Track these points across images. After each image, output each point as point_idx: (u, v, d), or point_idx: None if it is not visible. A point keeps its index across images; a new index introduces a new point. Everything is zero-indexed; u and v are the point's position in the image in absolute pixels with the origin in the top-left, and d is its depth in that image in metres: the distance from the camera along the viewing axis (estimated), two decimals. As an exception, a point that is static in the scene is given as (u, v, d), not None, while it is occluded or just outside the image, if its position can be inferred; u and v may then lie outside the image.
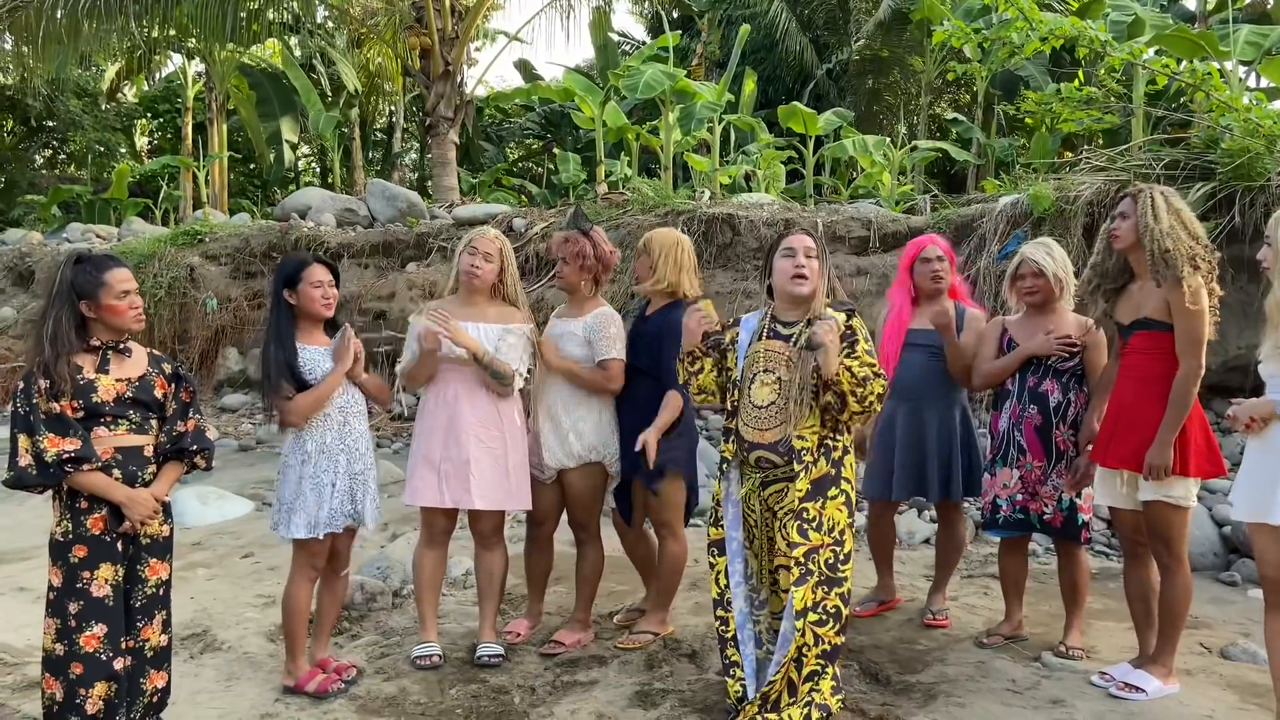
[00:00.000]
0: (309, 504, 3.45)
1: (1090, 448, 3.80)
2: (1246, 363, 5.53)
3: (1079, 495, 3.85)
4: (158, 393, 3.01)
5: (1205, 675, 3.73)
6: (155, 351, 3.16)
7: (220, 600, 4.64)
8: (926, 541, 5.72)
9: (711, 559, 3.39)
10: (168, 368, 3.10)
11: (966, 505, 6.14)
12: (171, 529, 3.08)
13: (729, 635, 3.30)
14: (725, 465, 3.39)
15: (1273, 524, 2.96)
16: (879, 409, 3.21)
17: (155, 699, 3.02)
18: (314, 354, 3.50)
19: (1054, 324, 3.92)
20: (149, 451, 2.98)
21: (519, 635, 4.09)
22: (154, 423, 3.01)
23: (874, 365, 3.14)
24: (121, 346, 2.99)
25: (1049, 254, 3.93)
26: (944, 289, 4.27)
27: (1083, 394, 3.90)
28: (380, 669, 3.77)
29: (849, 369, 3.07)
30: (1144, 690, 3.45)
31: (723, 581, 3.34)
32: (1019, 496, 3.92)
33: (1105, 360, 3.87)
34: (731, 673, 3.26)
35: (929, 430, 4.15)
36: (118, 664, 2.86)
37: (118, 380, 2.93)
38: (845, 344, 3.15)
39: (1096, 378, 3.87)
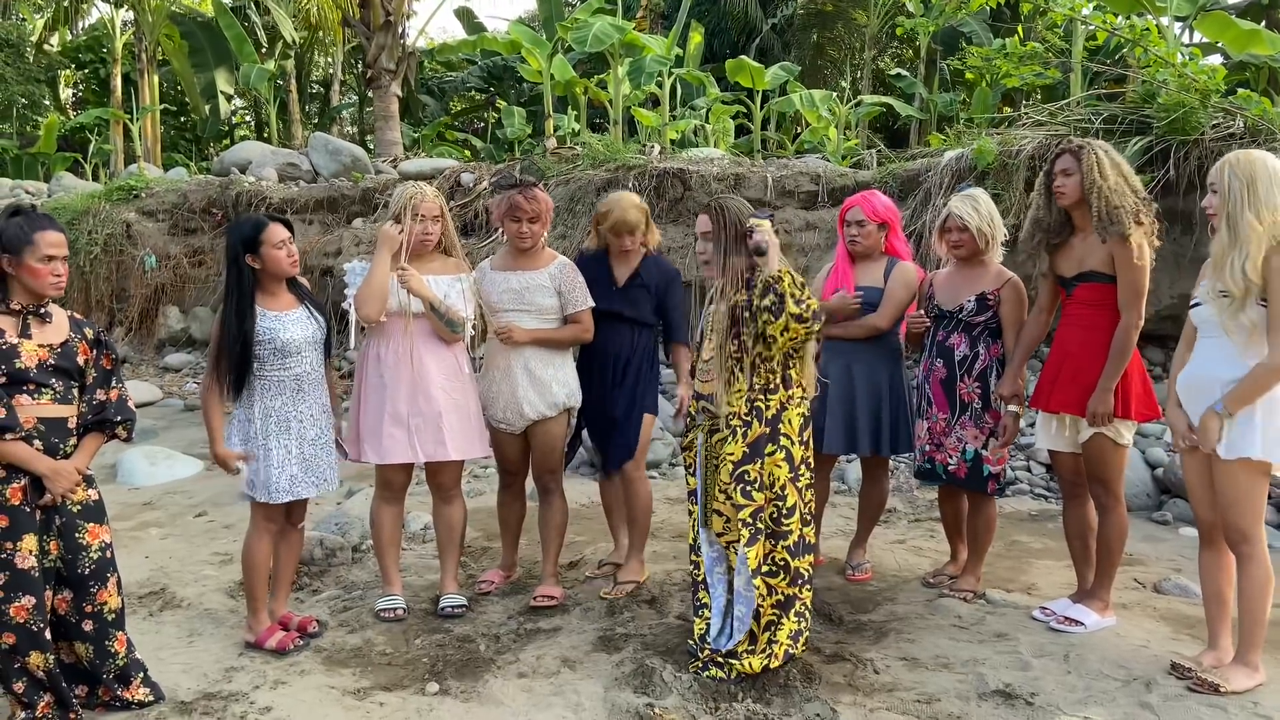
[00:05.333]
0: (261, 469, 3.43)
1: (1010, 405, 3.87)
2: (1179, 312, 5.72)
3: (984, 447, 3.92)
4: (80, 359, 2.89)
5: (1140, 608, 3.92)
6: (76, 315, 3.02)
7: (176, 559, 4.61)
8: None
9: (689, 507, 3.51)
10: (89, 332, 2.97)
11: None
12: (99, 493, 3.00)
13: (700, 579, 3.41)
14: (693, 419, 3.50)
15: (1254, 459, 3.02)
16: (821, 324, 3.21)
17: (125, 661, 2.99)
18: (273, 320, 3.43)
19: (978, 276, 3.96)
20: (72, 423, 2.88)
21: (494, 584, 4.15)
22: (76, 392, 2.90)
23: (805, 319, 3.14)
24: (42, 311, 2.86)
25: (975, 208, 3.92)
26: (861, 252, 4.17)
27: (995, 346, 3.93)
28: (343, 622, 3.80)
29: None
30: (1083, 623, 3.62)
31: (695, 528, 3.45)
32: (927, 448, 4.06)
33: (1019, 314, 3.90)
34: (700, 613, 3.38)
35: (858, 385, 4.11)
36: (47, 634, 2.83)
37: (40, 346, 2.81)
38: (771, 299, 3.15)
39: (1013, 332, 3.90)
